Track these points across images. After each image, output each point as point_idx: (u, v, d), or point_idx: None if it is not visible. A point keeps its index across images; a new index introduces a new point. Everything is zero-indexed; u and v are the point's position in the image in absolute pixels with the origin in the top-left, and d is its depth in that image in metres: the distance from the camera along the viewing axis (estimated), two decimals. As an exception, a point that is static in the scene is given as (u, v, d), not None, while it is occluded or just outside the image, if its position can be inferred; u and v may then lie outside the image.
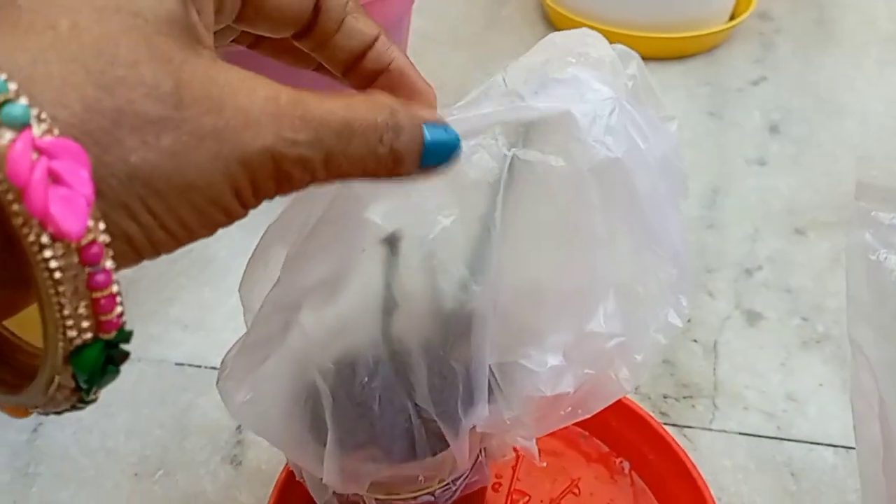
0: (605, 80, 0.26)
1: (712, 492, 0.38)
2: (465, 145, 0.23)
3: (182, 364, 0.47)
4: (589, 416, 0.30)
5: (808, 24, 0.79)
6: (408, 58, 0.24)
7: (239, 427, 0.44)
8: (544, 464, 0.40)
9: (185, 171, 0.15)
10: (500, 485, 0.40)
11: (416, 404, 0.28)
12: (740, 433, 0.43)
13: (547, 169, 0.25)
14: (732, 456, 0.42)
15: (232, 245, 0.54)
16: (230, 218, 0.17)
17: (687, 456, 0.39)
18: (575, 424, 0.42)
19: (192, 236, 0.17)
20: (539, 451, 0.41)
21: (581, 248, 0.27)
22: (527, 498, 0.40)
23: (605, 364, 0.28)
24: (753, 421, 0.44)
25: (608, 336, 0.27)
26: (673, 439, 0.39)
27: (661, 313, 0.27)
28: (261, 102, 0.17)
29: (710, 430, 0.43)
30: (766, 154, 0.63)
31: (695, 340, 0.48)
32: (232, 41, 0.23)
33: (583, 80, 0.25)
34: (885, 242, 0.25)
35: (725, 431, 0.43)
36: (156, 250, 0.16)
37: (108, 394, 0.47)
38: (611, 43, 0.28)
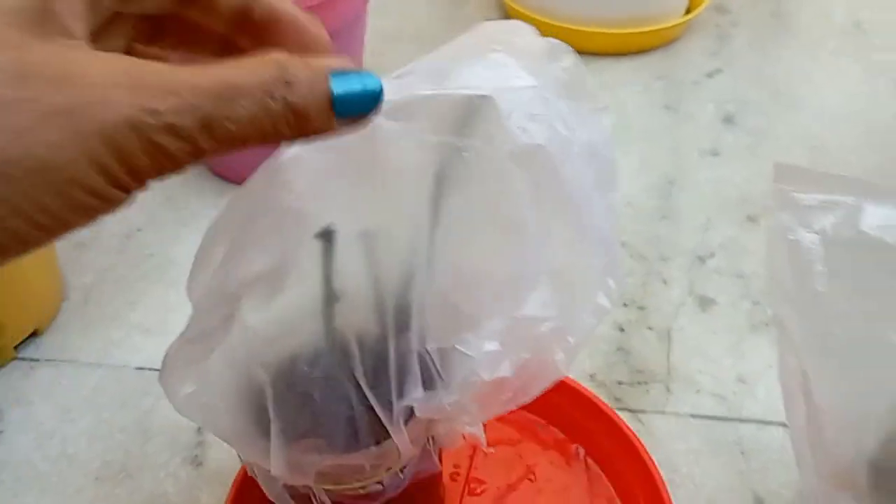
0: (529, 69, 0.27)
1: (665, 473, 0.39)
2: (392, 128, 0.24)
3: (142, 368, 0.48)
4: (529, 400, 0.31)
5: (764, 16, 0.81)
6: (301, 11, 0.23)
7: (200, 428, 0.44)
8: (492, 450, 0.41)
9: (36, 151, 0.15)
10: (458, 474, 0.41)
11: (357, 393, 0.28)
12: (693, 416, 0.44)
13: (473, 155, 0.25)
14: (685, 438, 0.43)
15: (195, 248, 0.54)
16: (103, 200, 0.16)
17: (638, 440, 0.39)
18: (531, 413, 0.44)
19: (64, 225, 0.16)
20: (495, 440, 0.43)
21: (512, 234, 0.27)
22: (483, 486, 0.41)
23: (541, 348, 0.29)
24: (706, 403, 0.45)
25: (542, 320, 0.28)
26: (625, 424, 0.40)
27: (591, 297, 0.28)
28: (118, 76, 0.16)
29: (664, 413, 0.44)
30: (721, 145, 0.64)
31: (649, 328, 0.49)
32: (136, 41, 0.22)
33: (505, 66, 0.26)
34: (803, 222, 0.26)
35: (678, 414, 0.44)
36: (22, 243, 0.16)
37: (68, 399, 0.47)
38: (570, 40, 0.29)
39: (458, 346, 0.29)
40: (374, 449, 0.29)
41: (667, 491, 0.37)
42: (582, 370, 0.47)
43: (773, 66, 0.73)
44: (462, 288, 0.29)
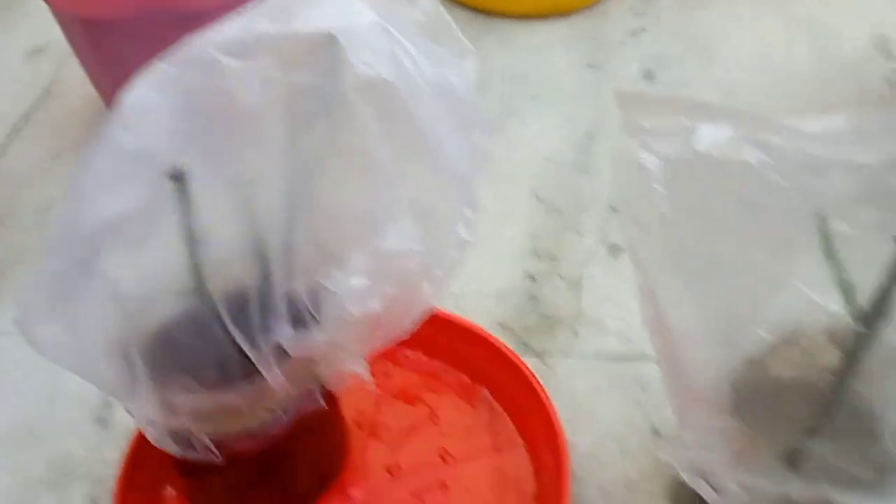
0: (378, 9, 0.27)
1: (568, 410, 0.41)
2: (236, 66, 0.24)
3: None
4: (404, 334, 0.31)
5: (691, -24, 0.81)
6: None
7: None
8: (374, 387, 0.41)
9: None
10: (363, 419, 0.42)
11: (223, 332, 0.29)
12: (597, 357, 0.45)
13: (320, 92, 0.26)
14: (589, 378, 0.44)
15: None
16: None
17: (537, 379, 0.40)
18: (437, 359, 0.45)
19: None
20: (401, 385, 0.43)
21: (367, 169, 0.28)
22: (388, 430, 0.41)
23: (409, 282, 0.29)
24: (610, 345, 0.46)
25: (407, 254, 0.29)
26: (526, 366, 0.41)
27: (452, 230, 0.29)
28: None
29: (570, 356, 0.45)
30: (641, 99, 0.65)
31: (561, 276, 0.50)
32: None
33: (351, 4, 0.26)
34: (645, 146, 0.27)
35: (584, 356, 0.45)
36: None
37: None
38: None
39: (324, 284, 0.29)
40: (245, 387, 0.30)
41: (560, 423, 0.38)
42: (491, 318, 0.48)
43: (696, 24, 0.74)
44: (324, 225, 0.30)
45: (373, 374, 0.45)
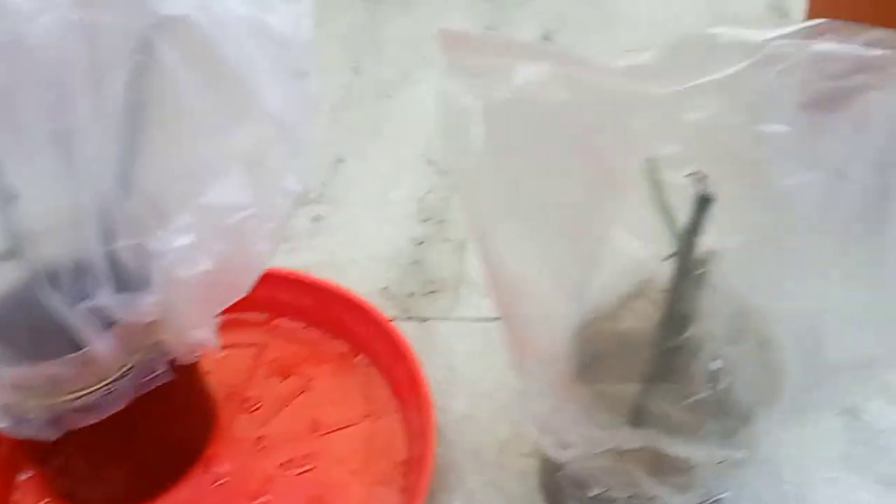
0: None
1: (444, 374, 0.41)
2: (28, 7, 0.22)
3: None
4: (243, 294, 0.30)
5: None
6: None
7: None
8: (223, 353, 0.39)
9: None
10: (234, 392, 0.40)
11: (41, 299, 0.27)
12: (476, 319, 0.44)
13: (116, 31, 0.24)
14: (467, 341, 0.43)
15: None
16: None
17: (407, 345, 0.39)
18: (313, 328, 0.43)
19: None
20: (275, 357, 0.42)
21: (186, 120, 0.26)
22: (259, 402, 0.40)
23: (240, 238, 0.28)
24: (490, 308, 0.45)
25: (235, 209, 0.27)
26: (398, 332, 0.40)
27: (281, 182, 0.27)
28: None
29: (449, 319, 0.45)
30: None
31: (447, 240, 0.49)
32: None
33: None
34: (467, 87, 0.26)
35: (462, 319, 0.44)
36: None
37: None
38: None
39: (151, 243, 0.28)
40: (69, 357, 0.28)
41: (427, 389, 0.37)
42: (374, 284, 0.47)
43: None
44: (150, 182, 0.28)
45: (247, 346, 0.44)
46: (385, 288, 0.47)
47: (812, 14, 0.39)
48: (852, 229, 0.24)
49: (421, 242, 0.49)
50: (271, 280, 0.44)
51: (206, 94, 0.25)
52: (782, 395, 0.28)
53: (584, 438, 0.27)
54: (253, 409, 0.40)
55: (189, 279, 0.28)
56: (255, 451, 0.38)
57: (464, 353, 0.43)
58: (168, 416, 0.35)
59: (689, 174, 0.20)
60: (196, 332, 0.31)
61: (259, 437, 0.39)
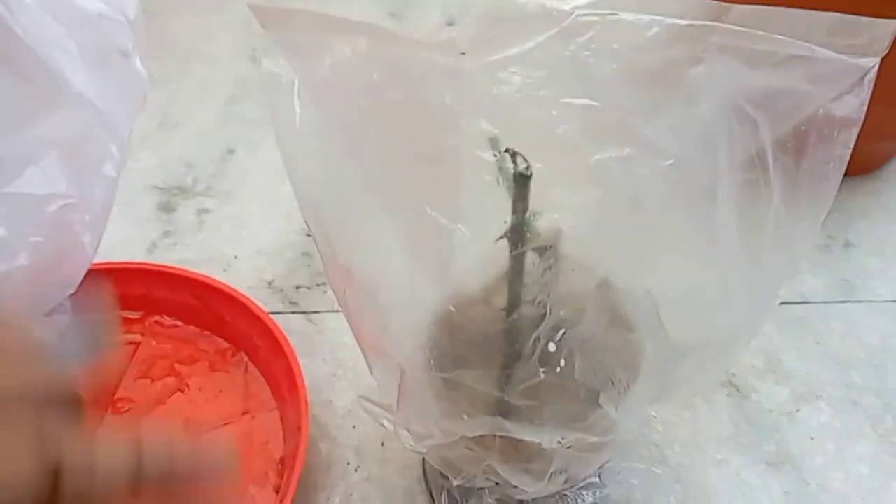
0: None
1: (331, 368, 0.40)
2: None
3: None
4: (73, 288, 0.28)
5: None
6: None
7: None
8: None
9: None
10: (102, 395, 0.38)
11: None
12: (364, 311, 0.43)
13: None
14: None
15: None
16: None
17: (286, 340, 0.38)
18: (195, 325, 0.42)
19: None
20: (150, 357, 0.40)
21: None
22: (131, 403, 0.38)
23: (58, 229, 0.26)
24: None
25: (49, 198, 0.25)
26: (277, 327, 0.39)
27: (100, 169, 0.25)
28: None
29: (338, 311, 0.43)
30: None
31: (339, 231, 0.48)
32: None
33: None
34: (284, 63, 0.24)
35: (350, 311, 0.43)
36: None
37: None
38: None
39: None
40: None
41: (303, 386, 0.36)
42: (261, 278, 0.45)
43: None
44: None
45: (120, 345, 0.42)
46: (271, 282, 0.45)
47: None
48: (685, 206, 0.23)
49: (311, 234, 0.48)
50: (145, 276, 0.42)
51: (4, 78, 0.23)
52: (638, 376, 0.27)
53: (436, 429, 0.26)
54: (124, 410, 0.38)
55: (5, 274, 0.26)
56: (125, 456, 0.37)
57: (352, 346, 0.41)
58: None
59: (501, 151, 0.20)
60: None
61: (129, 441, 0.37)
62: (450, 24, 0.65)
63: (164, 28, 0.65)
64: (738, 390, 0.41)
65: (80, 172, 0.25)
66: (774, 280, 0.25)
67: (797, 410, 0.40)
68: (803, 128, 0.22)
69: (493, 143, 0.22)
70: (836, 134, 0.22)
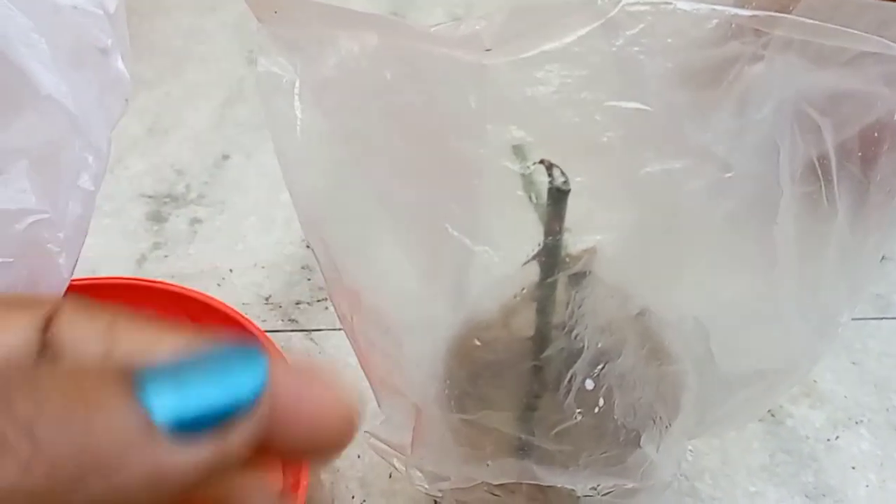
0: None
1: None
2: None
3: None
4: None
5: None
6: None
7: None
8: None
9: None
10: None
11: None
12: (368, 329, 0.41)
13: None
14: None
15: None
16: None
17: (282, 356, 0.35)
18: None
19: None
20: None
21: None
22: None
23: (29, 248, 0.23)
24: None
25: (21, 213, 0.23)
26: (275, 348, 0.36)
27: (75, 181, 0.23)
28: None
29: (338, 330, 0.41)
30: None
31: (341, 242, 0.45)
32: None
33: None
34: (284, 63, 0.22)
35: (353, 330, 0.41)
36: None
37: None
38: None
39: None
40: None
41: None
42: (257, 293, 0.42)
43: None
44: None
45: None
46: (268, 297, 0.42)
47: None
48: (739, 224, 0.21)
49: (314, 253, 0.45)
50: (134, 292, 0.39)
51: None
52: (680, 412, 0.25)
53: (455, 472, 0.23)
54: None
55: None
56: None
57: (356, 367, 0.39)
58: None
59: (536, 163, 0.17)
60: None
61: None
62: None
63: (154, 26, 0.62)
64: (773, 415, 0.38)
65: (53, 185, 0.22)
66: (836, 307, 0.22)
67: (836, 437, 0.37)
68: (875, 134, 0.20)
69: (522, 152, 0.19)
70: (911, 142, 0.19)
